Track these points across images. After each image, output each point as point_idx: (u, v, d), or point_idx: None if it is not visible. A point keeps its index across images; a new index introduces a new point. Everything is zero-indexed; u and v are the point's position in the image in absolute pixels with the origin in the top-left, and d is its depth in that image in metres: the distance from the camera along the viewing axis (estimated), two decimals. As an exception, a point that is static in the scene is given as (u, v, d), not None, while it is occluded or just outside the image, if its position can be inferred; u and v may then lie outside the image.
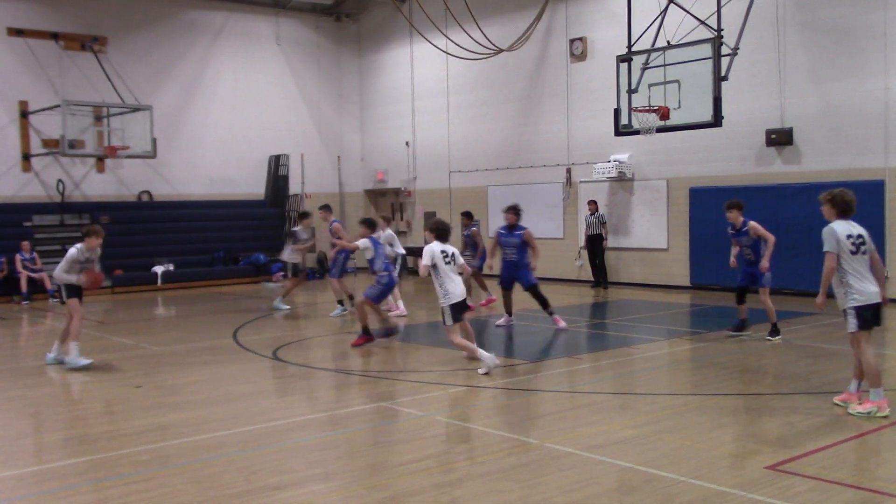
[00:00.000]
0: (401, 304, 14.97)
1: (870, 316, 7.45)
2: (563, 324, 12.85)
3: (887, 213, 15.29)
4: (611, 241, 19.63)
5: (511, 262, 13.02)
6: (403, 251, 15.66)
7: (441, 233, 9.69)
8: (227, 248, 23.55)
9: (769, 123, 16.93)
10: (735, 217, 11.47)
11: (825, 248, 7.47)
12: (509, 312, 13.36)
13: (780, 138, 16.73)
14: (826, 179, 16.02)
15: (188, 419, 7.90)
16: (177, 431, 7.47)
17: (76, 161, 21.80)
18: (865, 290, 7.41)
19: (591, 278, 19.75)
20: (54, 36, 21.57)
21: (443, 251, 9.60)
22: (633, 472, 6.07)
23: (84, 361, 10.40)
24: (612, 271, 19.74)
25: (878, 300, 7.48)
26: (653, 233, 19.29)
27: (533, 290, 12.84)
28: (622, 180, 19.64)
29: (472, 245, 15.93)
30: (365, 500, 5.64)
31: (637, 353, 11.23)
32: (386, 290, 11.84)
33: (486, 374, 9.43)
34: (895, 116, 15.25)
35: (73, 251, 10.53)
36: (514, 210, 13.11)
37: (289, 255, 16.06)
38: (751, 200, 17.07)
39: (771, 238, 11.21)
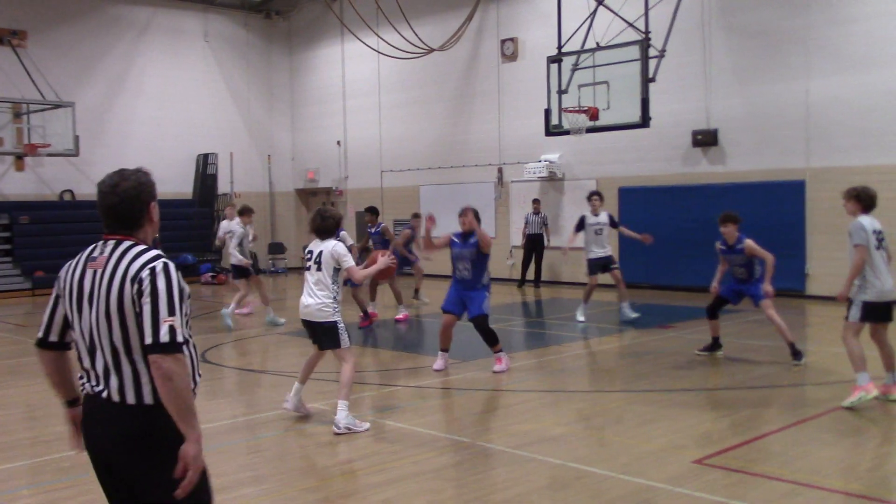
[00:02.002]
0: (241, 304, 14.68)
1: (881, 312, 7.55)
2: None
3: (808, 212, 15.75)
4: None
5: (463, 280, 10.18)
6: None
7: (316, 229, 7.39)
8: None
9: (695, 124, 17.30)
10: (730, 232, 9.86)
11: (855, 242, 7.46)
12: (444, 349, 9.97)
13: (706, 139, 17.10)
14: (750, 179, 16.48)
15: (113, 424, 7.68)
16: (101, 437, 7.25)
17: (-6, 159, 21.09)
18: (881, 286, 7.49)
19: (520, 277, 19.65)
20: (-30, 29, 20.87)
21: (309, 251, 7.46)
22: (563, 468, 6.13)
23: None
24: (544, 270, 19.82)
25: (893, 298, 7.57)
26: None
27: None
28: (553, 180, 19.82)
29: (382, 243, 13.94)
30: (296, 503, 5.56)
31: (568, 350, 11.35)
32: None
33: (287, 407, 7.75)
34: (816, 118, 15.72)
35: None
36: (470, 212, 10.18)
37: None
38: (678, 200, 17.56)
39: (769, 258, 9.69)
